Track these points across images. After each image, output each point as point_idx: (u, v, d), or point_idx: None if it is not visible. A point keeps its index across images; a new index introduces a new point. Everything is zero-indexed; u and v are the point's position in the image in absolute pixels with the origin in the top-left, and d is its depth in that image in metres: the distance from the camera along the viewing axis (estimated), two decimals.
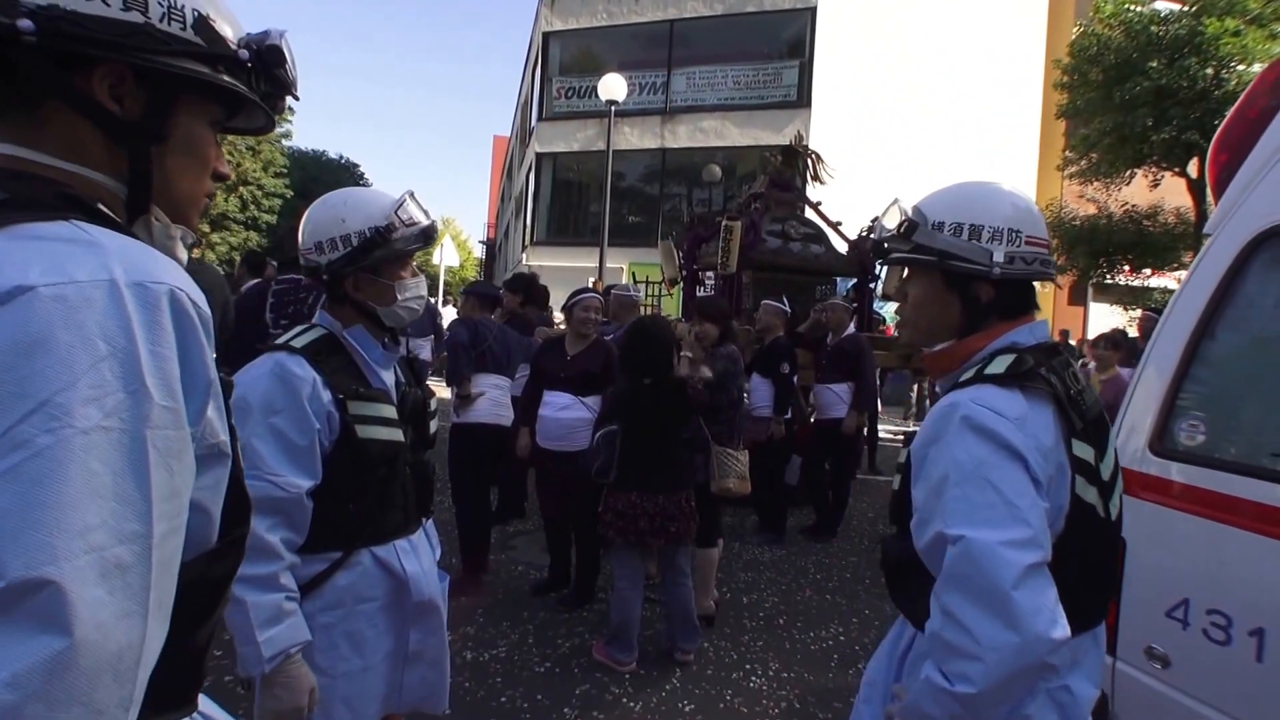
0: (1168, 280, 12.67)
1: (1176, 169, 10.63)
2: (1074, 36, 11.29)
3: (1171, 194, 11.39)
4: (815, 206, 6.50)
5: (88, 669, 0.45)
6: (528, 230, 16.64)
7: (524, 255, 16.27)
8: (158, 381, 0.52)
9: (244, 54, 0.67)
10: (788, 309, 4.72)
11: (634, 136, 14.75)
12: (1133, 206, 11.97)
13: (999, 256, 0.99)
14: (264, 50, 0.68)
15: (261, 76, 0.69)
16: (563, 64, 16.20)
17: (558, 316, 6.01)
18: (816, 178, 6.51)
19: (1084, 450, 0.94)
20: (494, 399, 3.51)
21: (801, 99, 13.67)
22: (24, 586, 0.44)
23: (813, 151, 6.62)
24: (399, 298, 1.35)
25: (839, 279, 6.52)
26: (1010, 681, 0.81)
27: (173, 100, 0.65)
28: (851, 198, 8.04)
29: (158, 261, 0.56)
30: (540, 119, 16.18)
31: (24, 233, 0.52)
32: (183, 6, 0.63)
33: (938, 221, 1.03)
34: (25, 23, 0.55)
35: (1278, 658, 1.33)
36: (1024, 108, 15.31)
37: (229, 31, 0.67)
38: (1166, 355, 1.67)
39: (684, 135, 14.59)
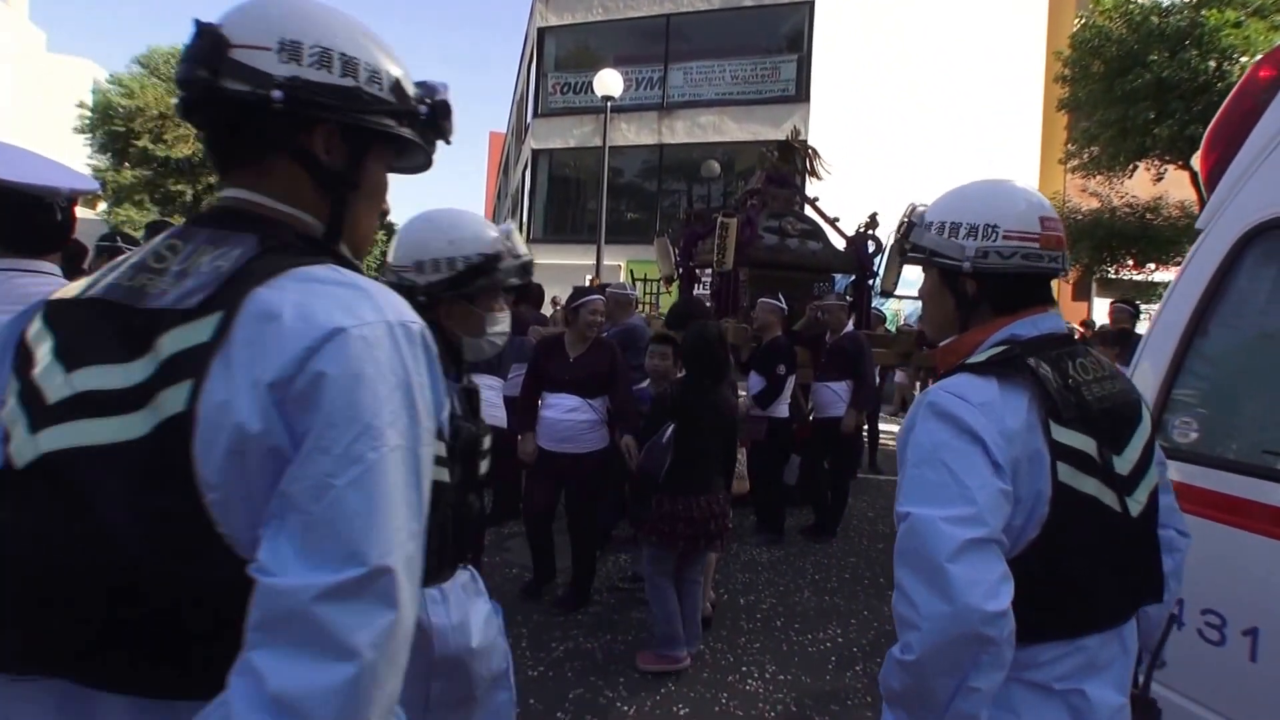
0: (1172, 274, 12.57)
1: (1179, 162, 10.54)
2: (1075, 29, 11.19)
3: (1175, 187, 11.30)
4: (812, 203, 6.46)
5: (400, 639, 0.58)
6: (525, 228, 16.55)
7: None
8: (423, 405, 0.64)
9: (423, 109, 0.78)
10: (784, 306, 4.68)
11: (631, 132, 14.67)
12: (1135, 199, 11.88)
13: (969, 251, 1.03)
14: (437, 104, 0.79)
15: (431, 126, 0.79)
16: (558, 60, 16.11)
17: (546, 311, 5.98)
18: (813, 173, 6.46)
19: (1073, 438, 0.93)
20: (486, 399, 3.43)
21: (800, 94, 13.59)
22: (378, 572, 0.56)
23: (810, 147, 6.56)
24: (486, 330, 1.33)
25: (837, 276, 6.48)
26: (946, 650, 0.83)
27: (366, 151, 0.76)
28: (851, 193, 7.99)
29: (402, 301, 0.67)
30: (536, 115, 16.10)
31: (304, 275, 0.64)
32: (382, 71, 0.74)
33: (928, 221, 1.09)
34: (277, 93, 0.67)
35: (1271, 657, 1.32)
36: (1025, 101, 15.21)
37: (411, 89, 0.78)
38: (1160, 352, 1.66)
39: (681, 131, 14.51)
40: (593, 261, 9.51)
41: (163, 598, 0.57)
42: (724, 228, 5.28)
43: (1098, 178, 11.77)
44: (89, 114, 21.91)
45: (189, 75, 0.67)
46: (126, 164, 21.95)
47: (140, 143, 21.47)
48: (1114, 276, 13.11)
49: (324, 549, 0.55)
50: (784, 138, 6.70)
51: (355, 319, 0.60)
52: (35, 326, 0.67)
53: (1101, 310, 15.04)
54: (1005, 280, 1.04)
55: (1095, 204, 12.34)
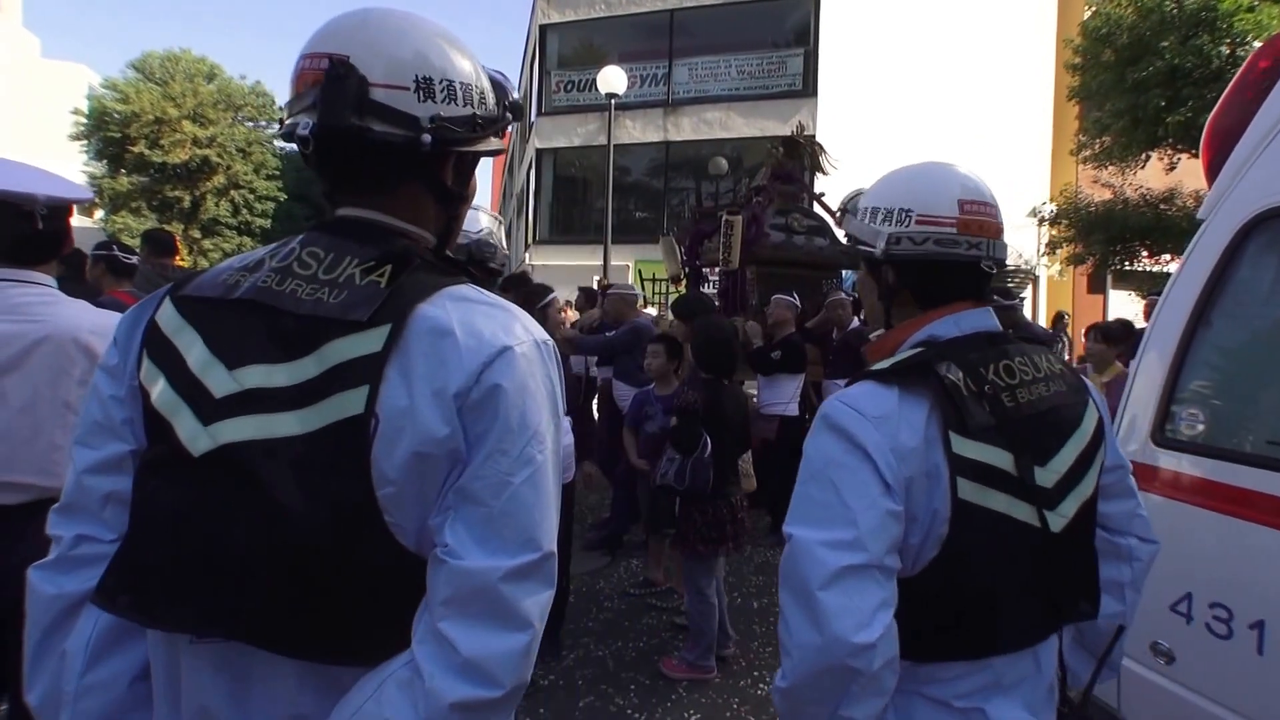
0: None
1: (1192, 151, 10.32)
2: (1086, 16, 11.00)
3: (1188, 177, 11.07)
4: (819, 198, 6.38)
5: (547, 610, 0.67)
6: (530, 229, 16.53)
7: (527, 254, 16.19)
8: (560, 411, 0.72)
9: (509, 116, 0.81)
10: (798, 304, 4.65)
11: (636, 130, 14.59)
12: (1148, 190, 11.65)
13: (882, 237, 0.98)
14: (514, 108, 0.81)
15: (507, 124, 0.82)
16: (561, 57, 16.03)
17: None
18: (819, 168, 6.38)
19: (980, 451, 0.86)
20: None
21: (807, 88, 13.45)
22: (547, 556, 0.66)
23: (815, 142, 6.48)
24: None
25: (845, 272, 6.41)
26: (815, 680, 0.81)
27: (473, 167, 0.82)
28: (860, 188, 7.88)
29: (533, 320, 0.73)
30: (539, 114, 16.03)
31: (457, 295, 0.70)
32: (485, 89, 0.77)
33: (857, 206, 1.05)
34: (427, 137, 0.70)
35: (1278, 650, 1.31)
36: (1036, 92, 15.01)
37: (493, 97, 0.80)
38: (1164, 344, 1.65)
39: (688, 128, 14.41)
40: (600, 262, 9.47)
41: (330, 574, 0.64)
42: (729, 226, 5.24)
43: (1110, 168, 11.56)
44: (84, 120, 21.87)
45: (335, 121, 0.68)
46: (123, 170, 21.89)
47: (136, 148, 21.37)
48: (1129, 269, 12.88)
49: (505, 536, 0.64)
50: (789, 133, 6.63)
51: (515, 338, 0.68)
52: (170, 319, 0.70)
53: (1117, 301, 14.81)
54: (924, 270, 0.97)
55: (1108, 195, 12.12)
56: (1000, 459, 0.88)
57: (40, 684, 0.72)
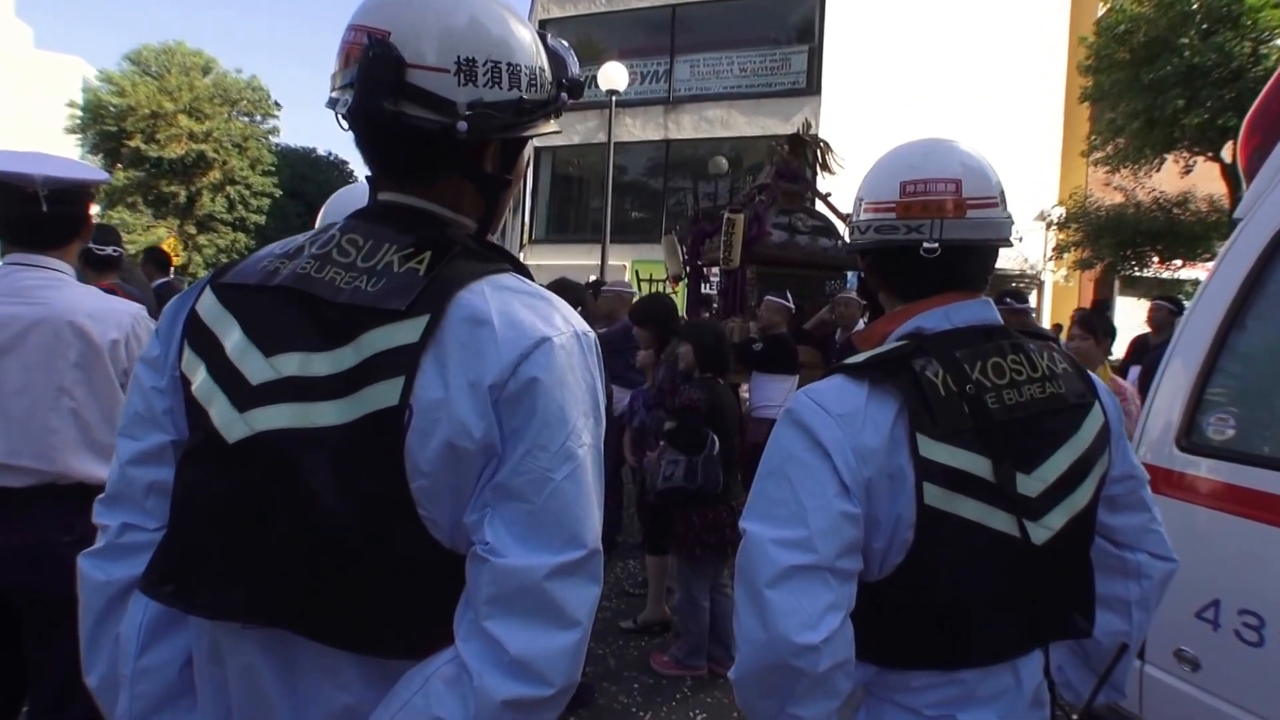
0: (1199, 271, 12.12)
1: (1209, 153, 10.12)
2: (1100, 14, 10.85)
3: (1204, 180, 10.88)
4: (824, 198, 6.33)
5: (595, 607, 0.67)
6: (526, 228, 16.42)
7: (523, 254, 16.07)
8: (601, 407, 0.71)
9: (564, 97, 0.77)
10: (791, 305, 4.61)
11: (636, 128, 14.52)
12: (1162, 194, 11.44)
13: (848, 228, 0.99)
14: (573, 87, 0.77)
15: (561, 106, 0.78)
16: None
17: None
18: (825, 167, 6.33)
19: (952, 455, 0.82)
20: None
21: (811, 86, 13.37)
22: (592, 553, 0.65)
23: (821, 140, 6.44)
24: None
25: (849, 273, 6.37)
26: (761, 676, 0.81)
27: (519, 151, 0.78)
28: None
29: (573, 310, 0.72)
30: None
31: (498, 284, 0.68)
32: (536, 69, 0.73)
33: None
34: (462, 125, 0.67)
35: None
36: (1047, 91, 14.88)
37: (550, 74, 0.76)
38: (1193, 347, 1.58)
39: (688, 126, 14.35)
40: (597, 262, 9.38)
41: (365, 566, 0.64)
42: (730, 224, 5.20)
43: (1123, 171, 11.28)
44: (80, 113, 21.73)
45: (369, 105, 0.66)
46: (119, 165, 21.81)
47: (132, 143, 21.28)
48: (1138, 274, 12.76)
49: (548, 534, 0.63)
50: (794, 132, 6.57)
51: (554, 329, 0.67)
52: (210, 306, 0.70)
53: (1124, 308, 14.72)
54: (883, 260, 0.95)
55: (1120, 199, 11.94)
56: (976, 464, 0.83)
57: (98, 667, 0.74)
